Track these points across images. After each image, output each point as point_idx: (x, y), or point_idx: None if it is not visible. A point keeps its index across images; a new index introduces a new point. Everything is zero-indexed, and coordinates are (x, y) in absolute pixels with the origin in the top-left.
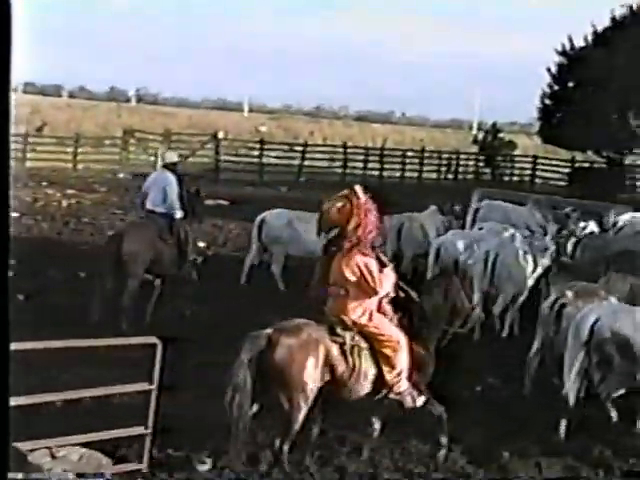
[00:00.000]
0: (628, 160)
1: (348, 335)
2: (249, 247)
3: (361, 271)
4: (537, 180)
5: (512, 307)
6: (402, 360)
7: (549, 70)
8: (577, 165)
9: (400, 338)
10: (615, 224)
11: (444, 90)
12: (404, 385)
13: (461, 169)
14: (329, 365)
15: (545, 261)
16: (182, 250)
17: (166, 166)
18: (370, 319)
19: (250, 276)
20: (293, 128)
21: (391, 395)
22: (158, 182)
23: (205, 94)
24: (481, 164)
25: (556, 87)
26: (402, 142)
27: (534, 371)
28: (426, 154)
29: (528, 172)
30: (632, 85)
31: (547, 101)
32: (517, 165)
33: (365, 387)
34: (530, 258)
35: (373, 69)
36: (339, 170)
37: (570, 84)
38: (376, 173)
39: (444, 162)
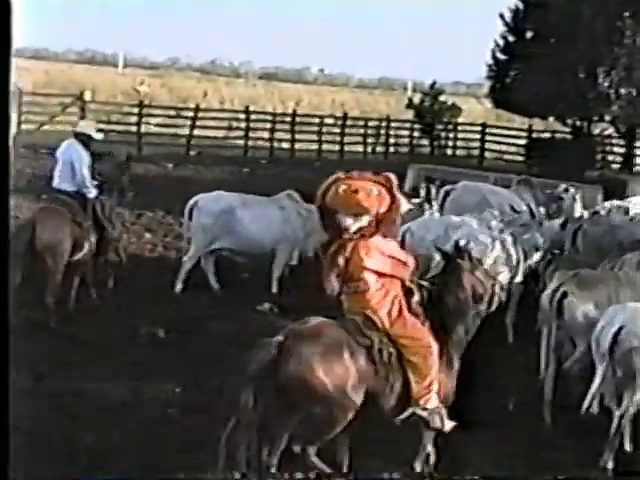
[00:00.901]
0: (597, 129)
1: (376, 336)
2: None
3: (383, 253)
4: (487, 154)
5: (508, 309)
6: (433, 370)
7: (502, 17)
8: (536, 135)
9: (432, 343)
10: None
11: (372, 42)
12: (434, 401)
13: (393, 140)
14: (350, 370)
15: (533, 251)
16: (103, 233)
17: (77, 136)
18: (399, 316)
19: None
20: (181, 88)
21: (418, 411)
22: (65, 155)
23: (68, 44)
24: (417, 134)
25: (510, 38)
26: (319, 106)
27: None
28: (349, 121)
29: (476, 144)
30: (603, 36)
31: (499, 55)
32: (462, 135)
33: (391, 401)
34: (513, 247)
35: (283, 15)
36: (240, 141)
37: (528, 35)
38: (286, 145)
39: (372, 132)
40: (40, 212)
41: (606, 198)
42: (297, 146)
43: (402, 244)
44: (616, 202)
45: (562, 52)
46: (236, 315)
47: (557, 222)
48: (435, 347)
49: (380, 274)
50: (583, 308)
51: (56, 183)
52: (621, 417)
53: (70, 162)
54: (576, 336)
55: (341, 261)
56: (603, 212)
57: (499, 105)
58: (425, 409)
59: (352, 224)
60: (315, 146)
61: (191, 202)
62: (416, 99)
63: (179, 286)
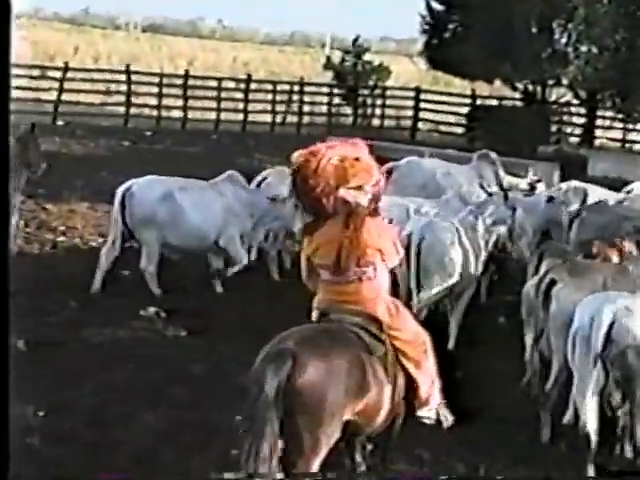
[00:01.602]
0: (553, 95)
1: (387, 340)
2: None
3: (389, 234)
4: (421, 125)
5: (454, 309)
6: (433, 364)
7: None
8: (480, 102)
9: (425, 336)
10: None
11: None
12: (437, 397)
13: (307, 108)
14: (366, 387)
15: (499, 228)
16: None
17: None
18: (397, 309)
19: (106, 280)
20: (46, 42)
21: (422, 412)
22: None
23: None
24: (338, 100)
25: None
26: (217, 66)
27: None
28: (254, 85)
29: (408, 113)
30: None
31: (435, 5)
32: (391, 102)
33: (398, 409)
34: (476, 240)
35: None
36: (119, 109)
37: None
38: (177, 114)
39: (282, 98)
40: None
41: (563, 177)
42: (190, 115)
43: None
44: (574, 182)
45: (510, 1)
46: (114, 321)
47: (542, 198)
48: (428, 338)
49: (383, 259)
50: (574, 297)
51: None
52: (615, 420)
53: None
54: (559, 334)
55: (365, 237)
56: (559, 195)
57: (436, 65)
58: (431, 409)
59: (362, 198)
60: (212, 115)
61: (122, 189)
62: (336, 58)
63: (157, 291)
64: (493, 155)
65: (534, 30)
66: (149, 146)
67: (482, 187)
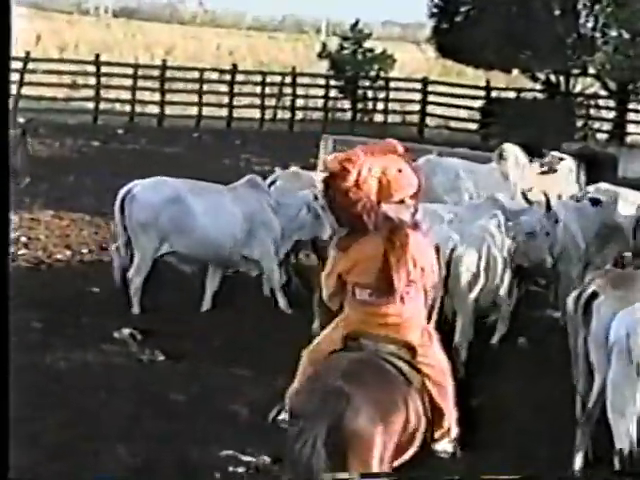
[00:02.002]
0: (579, 86)
1: (421, 368)
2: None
3: (431, 252)
4: (429, 120)
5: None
6: (453, 393)
7: None
8: (495, 95)
9: (447, 363)
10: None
11: None
12: (455, 428)
13: (301, 102)
14: (406, 422)
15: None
16: None
17: None
18: (430, 338)
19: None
20: None
21: (440, 447)
22: None
23: None
24: (335, 93)
25: None
26: (198, 55)
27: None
28: (240, 77)
29: (415, 107)
30: None
31: None
32: (395, 95)
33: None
34: (497, 251)
35: None
36: (88, 104)
37: None
38: (155, 110)
39: (271, 90)
40: None
41: (590, 178)
42: (168, 110)
43: None
44: (603, 185)
45: None
46: (83, 344)
47: (585, 201)
48: (449, 367)
49: (422, 277)
50: (616, 311)
51: None
52: None
53: None
54: (600, 350)
55: (411, 253)
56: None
57: (446, 53)
58: (450, 441)
59: (405, 213)
60: (193, 110)
61: (123, 191)
62: (332, 45)
63: (136, 310)
64: (519, 152)
65: (557, 13)
66: (121, 146)
67: (524, 194)
